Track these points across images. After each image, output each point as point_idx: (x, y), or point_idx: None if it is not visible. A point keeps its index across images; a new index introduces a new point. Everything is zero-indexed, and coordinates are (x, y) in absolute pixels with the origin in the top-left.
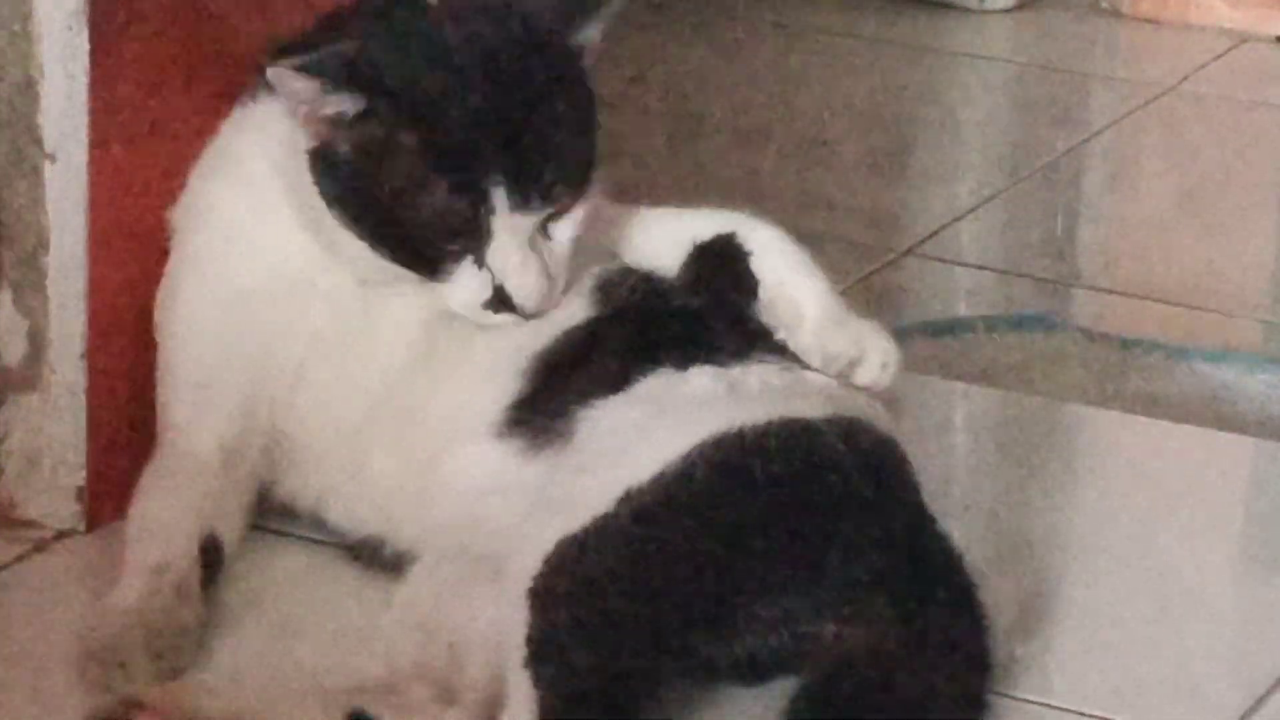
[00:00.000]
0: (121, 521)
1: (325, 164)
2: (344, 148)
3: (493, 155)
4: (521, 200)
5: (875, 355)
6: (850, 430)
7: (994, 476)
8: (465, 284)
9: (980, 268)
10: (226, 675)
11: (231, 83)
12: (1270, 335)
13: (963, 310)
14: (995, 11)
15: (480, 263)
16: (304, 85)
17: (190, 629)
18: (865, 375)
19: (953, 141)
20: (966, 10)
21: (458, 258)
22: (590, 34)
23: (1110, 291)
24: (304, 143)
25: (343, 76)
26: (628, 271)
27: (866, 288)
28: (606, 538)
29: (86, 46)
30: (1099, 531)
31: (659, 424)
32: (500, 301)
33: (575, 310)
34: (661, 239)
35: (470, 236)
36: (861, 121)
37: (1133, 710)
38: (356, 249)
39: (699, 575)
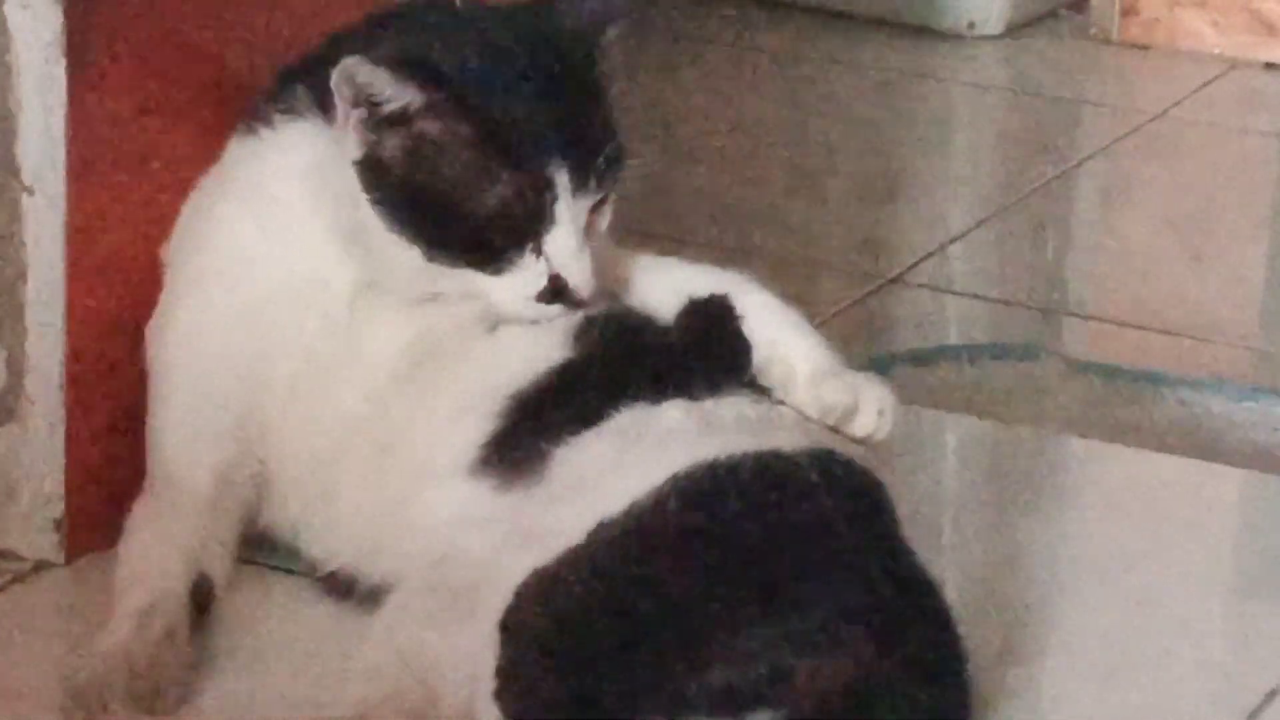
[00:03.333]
0: (100, 553)
1: (374, 172)
2: (393, 152)
3: (554, 140)
4: (581, 183)
5: (871, 404)
6: (826, 461)
7: (977, 506)
8: (523, 277)
9: (967, 295)
10: (207, 712)
11: (216, 114)
12: (1259, 363)
13: (950, 338)
14: (985, 38)
15: (538, 252)
16: (376, 76)
17: (176, 672)
18: (862, 425)
19: (942, 168)
20: (956, 36)
21: (518, 249)
22: (612, 34)
23: (1098, 319)
24: (350, 153)
25: (408, 69)
26: (606, 315)
27: (853, 315)
28: (578, 570)
29: (64, 78)
30: (1083, 561)
31: (632, 456)
32: (554, 292)
33: (552, 352)
34: (658, 289)
35: (533, 224)
36: (850, 147)
37: None
38: (405, 258)
39: (671, 608)
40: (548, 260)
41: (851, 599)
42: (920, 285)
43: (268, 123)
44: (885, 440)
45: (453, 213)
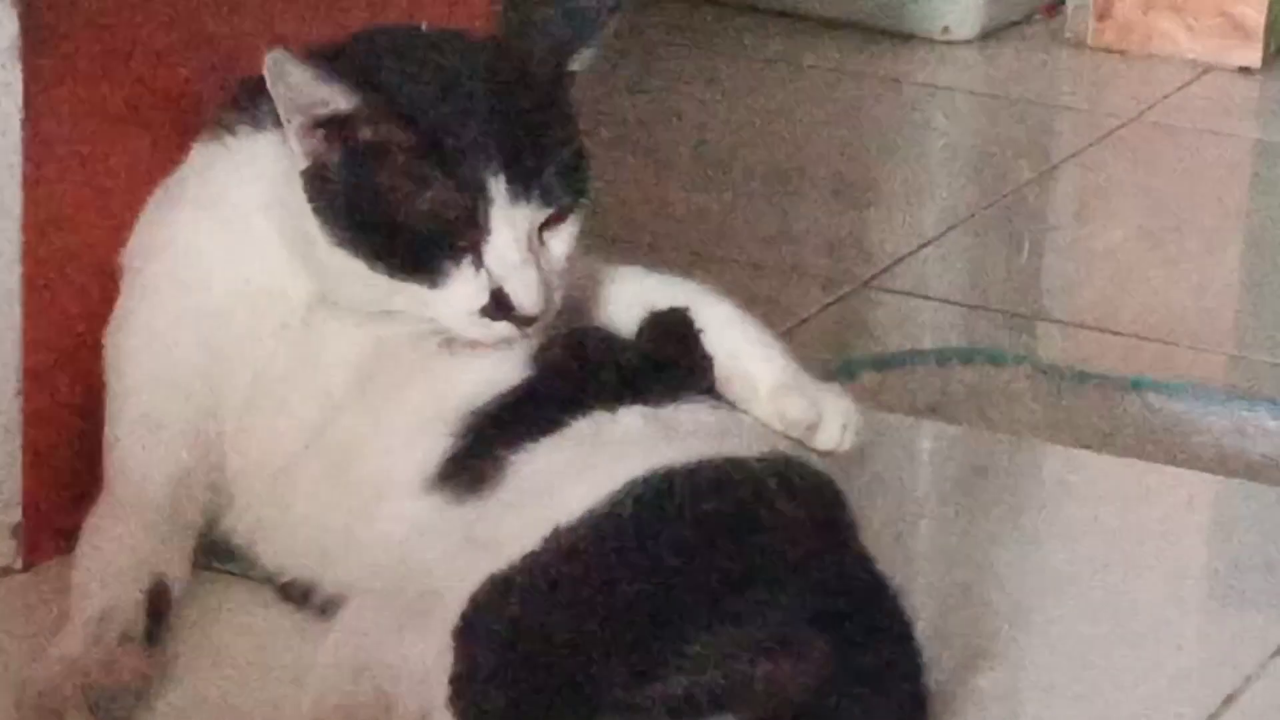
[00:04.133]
0: (59, 559)
1: (319, 181)
2: (336, 159)
3: (488, 147)
4: (520, 192)
5: (834, 418)
6: (783, 467)
7: (943, 511)
8: (463, 289)
9: (939, 300)
10: (163, 718)
11: (173, 120)
12: (1233, 368)
13: (923, 343)
14: (959, 42)
15: (479, 264)
16: (301, 73)
17: (130, 679)
18: (826, 439)
19: (915, 173)
20: (930, 40)
21: (455, 260)
22: (585, 57)
23: (1071, 325)
24: (298, 163)
25: (337, 69)
26: (566, 333)
27: (825, 320)
28: (533, 576)
29: (20, 84)
30: (1050, 566)
31: (589, 463)
32: (498, 306)
33: (512, 371)
34: (621, 299)
35: (468, 232)
36: (825, 152)
37: None
38: (351, 272)
39: (627, 615)
40: (489, 273)
41: (808, 605)
42: (892, 290)
43: (231, 131)
44: (849, 453)
45: (389, 221)
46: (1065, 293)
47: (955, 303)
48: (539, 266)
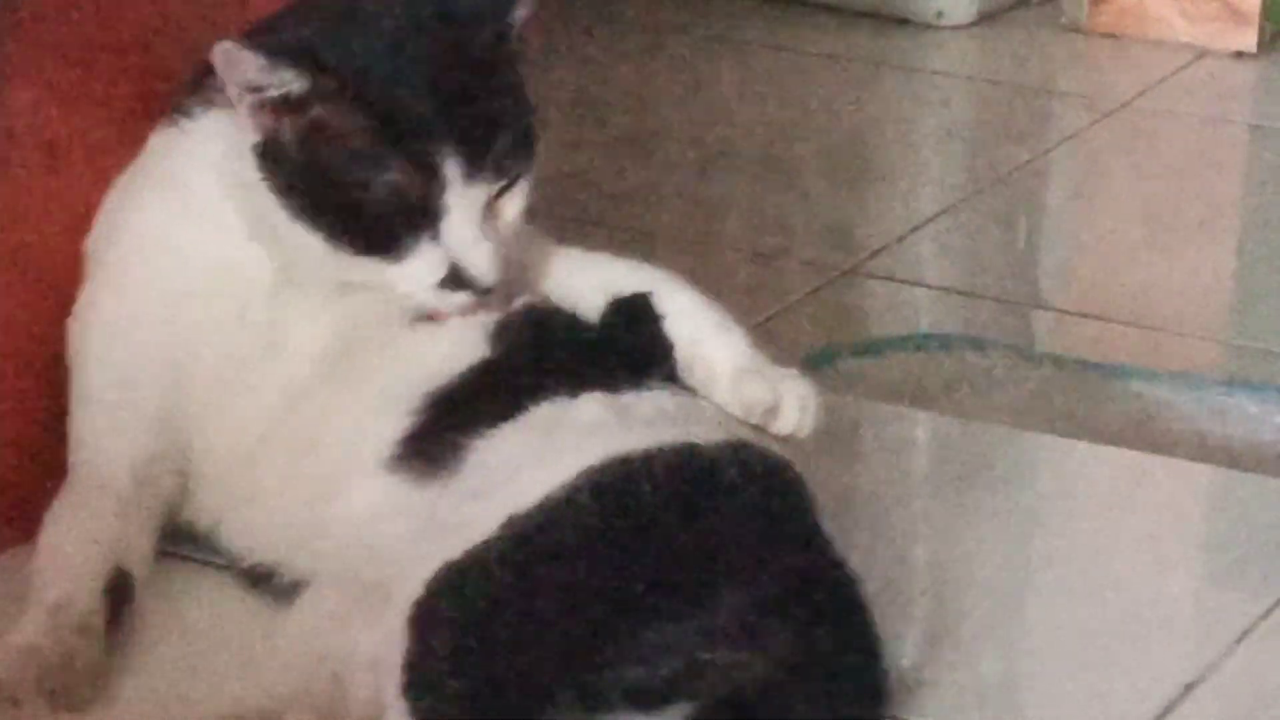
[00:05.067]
0: (22, 547)
1: (272, 157)
2: (290, 137)
3: (442, 127)
4: (474, 171)
5: (792, 401)
6: (743, 454)
7: (920, 499)
8: (421, 264)
9: (926, 286)
10: (125, 705)
11: (139, 108)
12: (1228, 357)
13: (911, 328)
14: (954, 27)
15: (435, 239)
16: (249, 61)
17: (89, 667)
18: (785, 423)
19: (908, 158)
20: (925, 25)
21: (413, 236)
22: (519, 15)
23: (1062, 311)
24: (249, 140)
25: (286, 53)
26: (525, 312)
27: (813, 305)
28: (488, 563)
29: None
30: (1024, 553)
31: (547, 450)
32: (456, 279)
33: (472, 350)
34: (583, 285)
35: (424, 212)
36: (818, 137)
37: None
38: (309, 246)
39: (582, 602)
40: (446, 248)
41: (766, 592)
42: (881, 277)
43: (187, 114)
44: (810, 436)
45: (345, 200)
46: (1057, 278)
47: (944, 288)
48: (494, 238)
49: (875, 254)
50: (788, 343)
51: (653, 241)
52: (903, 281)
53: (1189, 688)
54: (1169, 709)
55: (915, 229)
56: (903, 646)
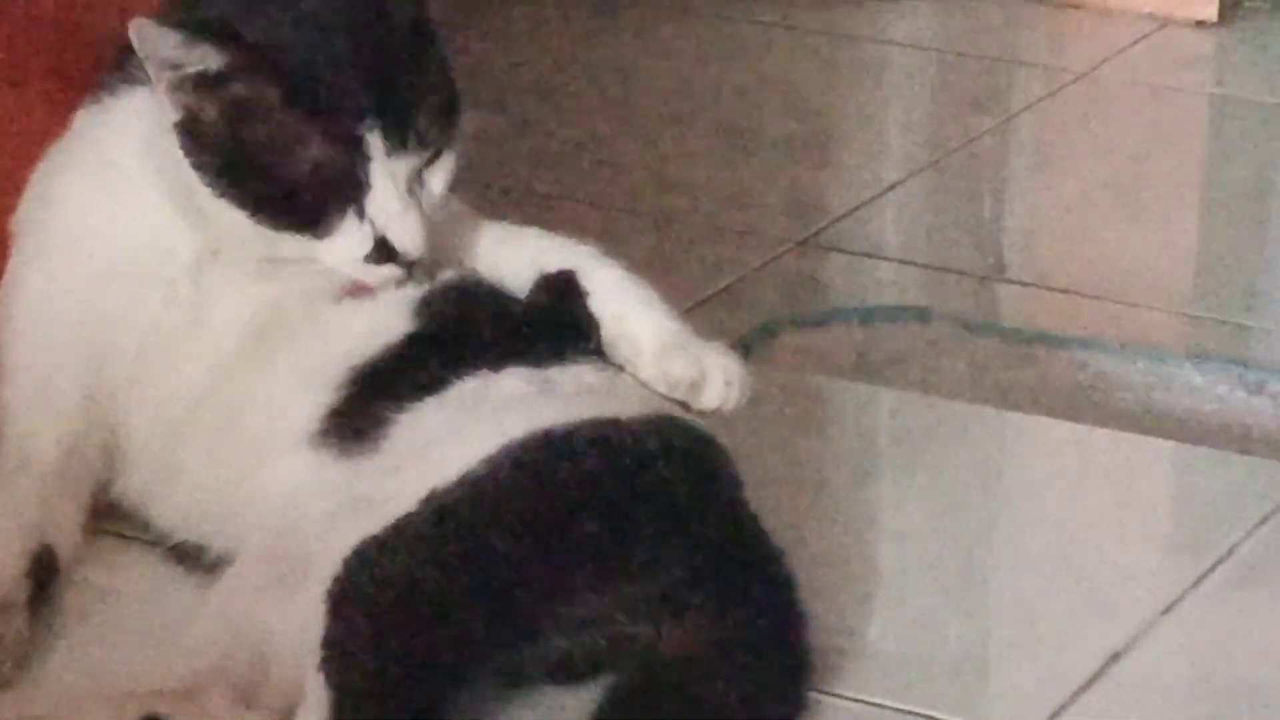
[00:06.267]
0: None
1: (193, 135)
2: (211, 114)
3: (363, 101)
4: (398, 144)
5: (717, 375)
6: (665, 428)
7: (855, 472)
8: (347, 238)
9: (877, 257)
10: (51, 681)
11: (67, 86)
12: (1190, 327)
13: (867, 300)
14: None
15: (361, 214)
16: (165, 39)
17: (12, 645)
18: (710, 397)
19: (869, 129)
20: None
21: (339, 211)
22: None
23: (1023, 283)
24: (170, 117)
25: (203, 30)
26: (449, 286)
27: (769, 277)
28: (407, 538)
29: None
30: (965, 525)
31: (469, 425)
32: (382, 252)
33: (395, 325)
34: (510, 262)
35: (348, 187)
36: (777, 108)
37: (956, 705)
38: (234, 221)
39: (503, 577)
40: (371, 222)
41: (689, 566)
42: (838, 248)
43: (111, 92)
44: (735, 410)
45: (269, 177)
46: (1016, 250)
47: (901, 260)
48: (419, 210)
49: (832, 224)
50: (745, 312)
51: (608, 212)
52: (859, 253)
53: (1116, 657)
54: (1096, 678)
55: (873, 199)
56: (840, 619)
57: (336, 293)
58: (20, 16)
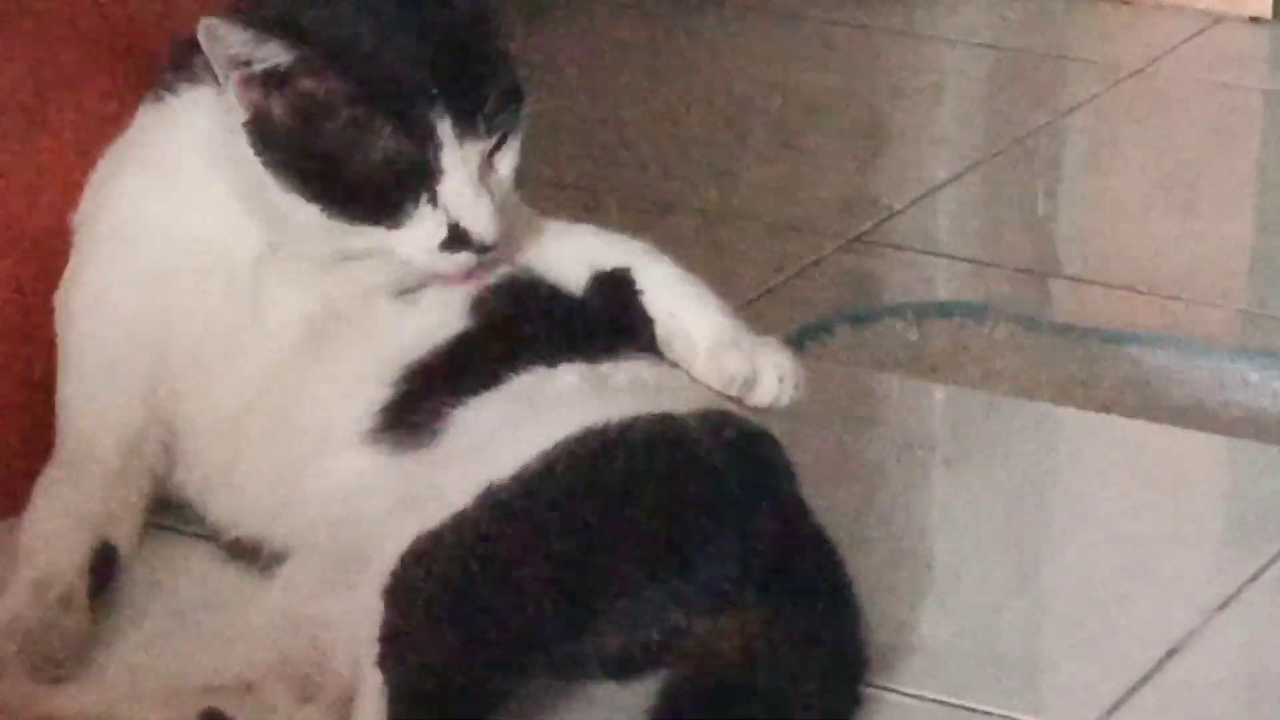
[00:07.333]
0: (10, 520)
1: (263, 133)
2: (279, 111)
3: (432, 89)
4: (468, 130)
5: (770, 372)
6: (720, 424)
7: (910, 468)
8: (421, 227)
9: (936, 254)
10: (109, 677)
11: (124, 81)
12: (1245, 324)
13: (921, 295)
14: None
15: (434, 202)
16: (234, 36)
17: (72, 641)
18: (764, 393)
19: (922, 125)
20: None
21: (412, 200)
22: None
23: (1077, 279)
24: (239, 117)
25: (270, 26)
26: (503, 282)
27: (823, 273)
28: (464, 534)
29: None
30: (1019, 523)
31: (524, 420)
32: (456, 240)
33: (451, 322)
34: (564, 259)
35: (421, 175)
36: (832, 105)
37: (1011, 701)
38: (307, 218)
39: (558, 572)
40: (445, 210)
41: (745, 562)
42: (893, 244)
43: (172, 90)
44: (789, 406)
45: (342, 170)
46: (1070, 245)
47: (955, 256)
48: (491, 195)
49: (887, 220)
50: (799, 309)
51: (665, 210)
52: (914, 250)
53: (1172, 652)
54: (1152, 673)
55: (926, 196)
56: (897, 615)
57: (395, 288)
58: (70, 11)
